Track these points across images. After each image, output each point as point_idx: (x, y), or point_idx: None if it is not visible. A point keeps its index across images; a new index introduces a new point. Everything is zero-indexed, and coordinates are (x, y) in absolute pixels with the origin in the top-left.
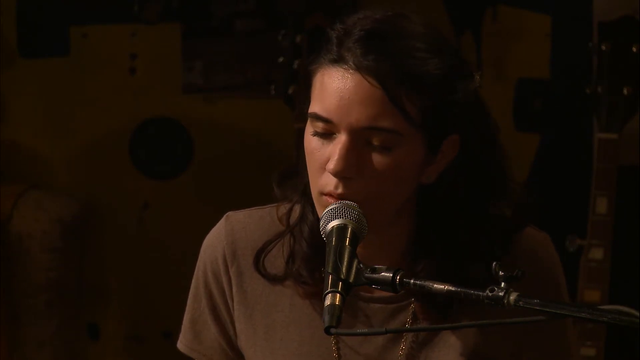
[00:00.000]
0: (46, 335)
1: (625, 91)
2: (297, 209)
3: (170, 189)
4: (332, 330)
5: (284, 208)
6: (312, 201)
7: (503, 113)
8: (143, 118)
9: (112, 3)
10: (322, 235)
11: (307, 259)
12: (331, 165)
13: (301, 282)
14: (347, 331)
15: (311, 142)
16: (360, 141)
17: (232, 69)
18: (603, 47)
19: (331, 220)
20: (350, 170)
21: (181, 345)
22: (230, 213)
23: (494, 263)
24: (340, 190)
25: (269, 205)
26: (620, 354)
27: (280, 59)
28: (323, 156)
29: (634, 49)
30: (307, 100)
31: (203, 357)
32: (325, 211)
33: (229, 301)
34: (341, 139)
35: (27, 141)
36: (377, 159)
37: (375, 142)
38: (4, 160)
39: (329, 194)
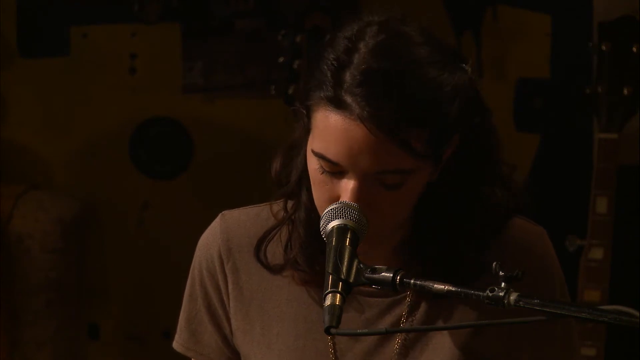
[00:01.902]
0: (46, 335)
1: (625, 91)
2: (291, 204)
3: (170, 189)
4: (332, 330)
5: (278, 205)
6: (308, 185)
7: (503, 113)
8: (143, 118)
9: (112, 3)
10: (322, 235)
11: (304, 246)
12: None
13: (298, 269)
14: (347, 331)
15: (319, 177)
16: (371, 181)
17: (232, 69)
18: (603, 47)
19: (331, 220)
20: (362, 208)
21: (177, 345)
22: (225, 211)
23: (494, 263)
24: None
25: (264, 203)
26: (620, 354)
27: (280, 59)
28: (332, 191)
29: (634, 49)
30: (307, 123)
31: (200, 356)
32: (325, 211)
33: (225, 298)
34: (351, 181)
35: (27, 141)
36: (389, 195)
37: (387, 182)
38: (4, 160)
39: None
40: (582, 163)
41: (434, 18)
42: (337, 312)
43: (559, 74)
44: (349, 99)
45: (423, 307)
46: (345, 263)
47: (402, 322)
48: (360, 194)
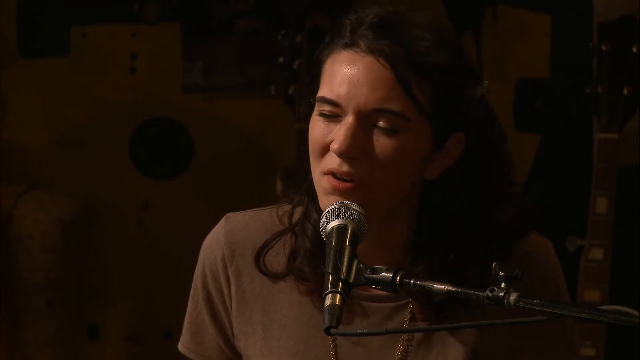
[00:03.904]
0: (46, 335)
1: (625, 91)
2: (298, 210)
3: (170, 189)
4: (332, 330)
5: (283, 209)
6: (316, 200)
7: (503, 113)
8: (143, 118)
9: (112, 3)
10: (322, 235)
11: (309, 256)
12: (336, 145)
13: (302, 279)
14: (347, 331)
15: (316, 125)
16: (367, 124)
17: (232, 69)
18: (603, 47)
19: (331, 221)
20: (355, 150)
21: (181, 346)
22: (229, 214)
23: (494, 263)
24: (344, 169)
25: (269, 207)
26: (620, 354)
27: (280, 59)
28: (327, 138)
29: (634, 49)
30: (314, 89)
31: (201, 357)
32: (325, 211)
33: (227, 301)
34: (347, 120)
35: (27, 141)
36: (383, 141)
37: (382, 125)
38: (4, 160)
39: (331, 172)
40: (582, 163)
41: (434, 18)
42: (337, 313)
43: (559, 74)
44: (359, 38)
45: (426, 313)
46: (345, 263)
47: (405, 327)
48: (354, 132)
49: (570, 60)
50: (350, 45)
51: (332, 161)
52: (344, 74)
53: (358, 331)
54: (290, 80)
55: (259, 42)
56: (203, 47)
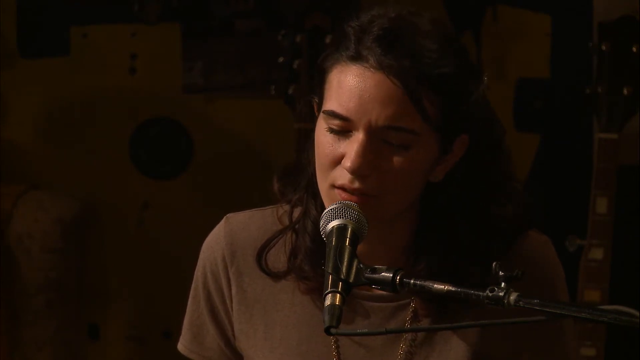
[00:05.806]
0: (46, 335)
1: (625, 91)
2: (298, 210)
3: (170, 189)
4: (333, 330)
5: (283, 209)
6: (316, 197)
7: (503, 113)
8: (143, 118)
9: (112, 3)
10: (322, 235)
11: (310, 253)
12: (348, 163)
13: (303, 277)
14: (347, 331)
15: (324, 138)
16: (377, 139)
17: (232, 69)
18: (603, 47)
19: (331, 221)
20: (367, 168)
21: (181, 346)
22: (230, 214)
23: (494, 263)
24: (356, 185)
25: (270, 207)
26: (620, 354)
27: (280, 59)
28: (336, 152)
29: (634, 49)
30: (319, 97)
31: (202, 358)
32: (325, 211)
33: (228, 302)
34: (358, 137)
35: (27, 141)
36: (394, 157)
37: (393, 141)
38: (4, 160)
39: (342, 187)
40: (582, 163)
41: (436, 18)
42: (336, 312)
43: (559, 74)
44: (366, 51)
45: (428, 309)
46: (345, 263)
47: (407, 326)
48: (365, 150)
49: (570, 60)
50: (357, 58)
51: (343, 176)
52: (354, 89)
53: (358, 331)
54: (290, 80)
55: (259, 42)
56: (203, 47)
